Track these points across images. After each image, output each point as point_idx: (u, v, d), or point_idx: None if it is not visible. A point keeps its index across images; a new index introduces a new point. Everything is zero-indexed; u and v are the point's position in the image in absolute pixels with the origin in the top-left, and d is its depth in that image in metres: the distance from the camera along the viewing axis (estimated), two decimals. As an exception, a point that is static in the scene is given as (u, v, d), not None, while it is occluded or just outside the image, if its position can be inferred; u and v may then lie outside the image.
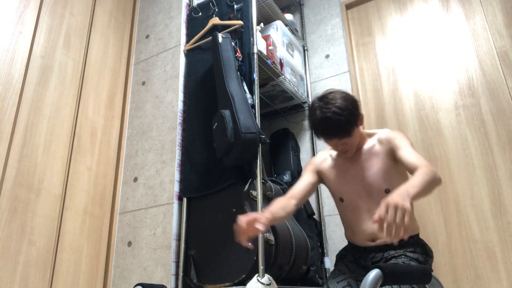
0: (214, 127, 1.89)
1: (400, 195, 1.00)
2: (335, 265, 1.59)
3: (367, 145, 1.49)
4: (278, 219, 1.37)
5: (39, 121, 1.95)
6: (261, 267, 1.57)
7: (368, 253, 1.45)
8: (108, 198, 2.23)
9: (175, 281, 1.87)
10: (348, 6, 2.82)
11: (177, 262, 1.91)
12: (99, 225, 2.13)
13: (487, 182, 2.03)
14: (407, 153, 1.33)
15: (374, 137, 1.49)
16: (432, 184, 1.15)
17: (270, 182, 2.02)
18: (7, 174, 1.75)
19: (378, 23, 2.68)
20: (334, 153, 1.59)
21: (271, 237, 1.72)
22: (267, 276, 1.56)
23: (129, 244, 2.10)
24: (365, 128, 2.47)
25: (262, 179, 1.84)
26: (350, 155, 1.48)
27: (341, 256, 1.58)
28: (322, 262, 2.17)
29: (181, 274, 1.86)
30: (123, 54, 2.58)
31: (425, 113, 2.31)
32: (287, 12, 2.94)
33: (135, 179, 2.24)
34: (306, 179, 1.57)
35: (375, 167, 1.43)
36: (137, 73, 2.55)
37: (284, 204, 1.43)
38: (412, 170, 1.27)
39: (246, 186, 1.81)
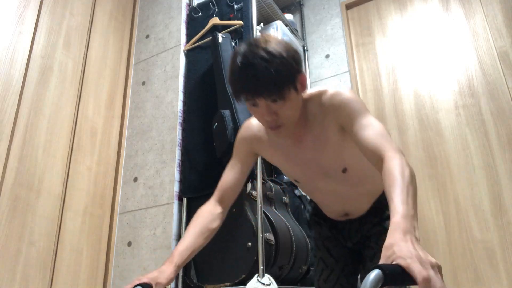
0: (214, 127, 1.89)
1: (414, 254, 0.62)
2: (315, 239, 1.40)
3: (311, 116, 1.09)
4: (192, 255, 1.07)
5: (39, 121, 1.95)
6: (261, 267, 1.57)
7: (343, 227, 1.30)
8: (108, 198, 2.23)
9: (175, 281, 1.87)
10: (348, 6, 2.82)
11: (177, 262, 1.90)
12: (99, 225, 2.13)
13: (487, 182, 2.03)
14: (363, 135, 0.96)
15: (316, 103, 1.08)
16: (416, 194, 0.82)
17: (270, 182, 2.02)
18: (7, 174, 1.75)
19: (378, 23, 2.68)
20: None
21: (271, 237, 1.72)
22: (267, 276, 1.56)
23: (129, 244, 2.10)
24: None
25: (262, 179, 1.84)
26: (284, 133, 1.04)
27: (316, 224, 1.38)
28: (322, 262, 2.17)
29: (181, 274, 1.86)
30: (123, 54, 2.58)
31: (425, 113, 2.31)
32: (287, 12, 2.94)
33: (135, 179, 2.24)
34: (237, 169, 1.20)
35: (326, 146, 1.09)
36: (137, 73, 2.55)
37: (200, 229, 1.10)
38: (372, 160, 0.94)
39: (248, 187, 1.81)
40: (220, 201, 1.17)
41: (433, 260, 0.62)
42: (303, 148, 1.12)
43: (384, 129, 0.96)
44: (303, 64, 1.03)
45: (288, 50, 0.97)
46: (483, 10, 2.33)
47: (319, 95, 1.08)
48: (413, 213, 0.72)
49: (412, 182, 0.80)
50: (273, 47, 0.94)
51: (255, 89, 0.94)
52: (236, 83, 0.97)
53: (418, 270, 0.58)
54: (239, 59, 0.95)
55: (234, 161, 1.22)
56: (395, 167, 0.82)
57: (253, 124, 1.21)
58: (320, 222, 1.36)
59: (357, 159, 1.11)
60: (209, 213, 1.14)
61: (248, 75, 0.93)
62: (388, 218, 1.05)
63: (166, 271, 0.97)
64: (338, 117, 1.04)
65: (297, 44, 2.70)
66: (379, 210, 1.23)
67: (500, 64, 2.18)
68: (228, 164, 1.23)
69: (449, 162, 2.15)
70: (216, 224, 1.14)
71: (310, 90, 1.11)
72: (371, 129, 0.96)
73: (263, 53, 0.92)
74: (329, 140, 1.08)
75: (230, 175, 1.19)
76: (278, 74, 0.92)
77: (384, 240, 0.88)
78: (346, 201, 1.23)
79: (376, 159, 0.90)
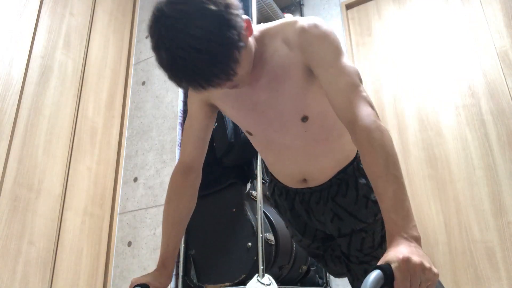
0: (214, 127, 1.90)
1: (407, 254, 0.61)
2: (275, 207, 1.27)
3: (270, 51, 0.91)
4: (178, 242, 1.01)
5: (39, 121, 1.95)
6: (261, 267, 1.57)
7: (303, 198, 1.12)
8: (108, 198, 2.23)
9: (175, 281, 1.87)
10: (348, 6, 2.82)
11: (177, 262, 1.91)
12: (99, 225, 2.13)
13: (487, 182, 2.03)
14: (335, 84, 0.83)
15: (278, 36, 0.91)
16: (399, 166, 0.73)
17: (270, 182, 2.02)
18: (7, 174, 1.75)
19: (378, 23, 2.68)
20: None
21: (271, 237, 1.72)
22: (267, 276, 1.56)
23: (129, 244, 2.10)
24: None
25: (262, 179, 1.84)
26: (243, 86, 0.90)
27: (276, 202, 1.24)
28: (322, 262, 2.17)
29: (181, 274, 1.86)
30: (123, 54, 2.58)
31: (425, 113, 2.31)
32: (287, 12, 2.93)
33: (135, 179, 2.24)
34: (197, 122, 1.04)
35: (283, 86, 0.92)
36: (137, 73, 2.55)
37: (181, 220, 1.03)
38: (341, 118, 0.83)
39: (248, 187, 1.81)
40: (189, 168, 1.04)
41: (429, 275, 0.61)
42: (257, 88, 0.94)
43: (358, 77, 0.84)
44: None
45: (218, 17, 0.72)
46: (483, 10, 2.33)
47: (284, 27, 0.91)
48: (407, 206, 0.69)
49: (393, 155, 0.73)
50: (196, 30, 0.70)
51: (196, 85, 0.76)
52: (171, 77, 0.77)
53: (401, 281, 0.59)
54: (164, 56, 0.73)
55: (188, 117, 1.06)
56: (371, 137, 0.74)
57: None
58: (280, 203, 1.21)
59: (321, 106, 0.95)
60: (183, 194, 1.03)
61: (181, 72, 0.74)
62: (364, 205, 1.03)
63: (162, 277, 0.96)
64: (307, 55, 0.87)
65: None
66: (348, 186, 1.06)
67: (500, 64, 2.18)
68: (185, 124, 1.07)
69: (449, 162, 2.15)
70: (193, 202, 1.05)
71: (271, 23, 0.95)
72: (344, 77, 0.83)
73: (189, 51, 0.70)
74: (289, 79, 0.91)
75: (190, 136, 1.04)
76: (220, 68, 0.73)
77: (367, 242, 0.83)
78: (304, 161, 1.05)
79: (347, 117, 0.80)
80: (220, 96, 0.99)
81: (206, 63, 0.72)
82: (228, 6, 0.74)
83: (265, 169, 2.50)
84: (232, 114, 1.02)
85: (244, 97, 0.96)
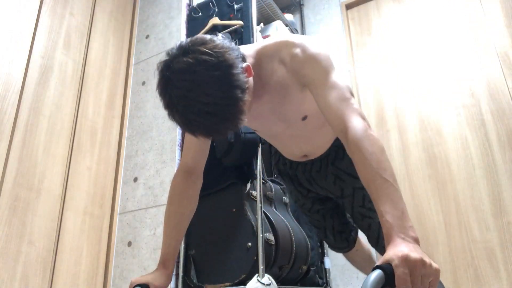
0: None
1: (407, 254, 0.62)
2: (281, 178, 1.45)
3: (268, 71, 0.99)
4: (179, 243, 1.05)
5: (39, 121, 1.95)
6: (261, 267, 1.57)
7: (305, 168, 1.31)
8: (108, 198, 2.23)
9: (175, 281, 1.87)
10: (348, 6, 2.82)
11: (177, 262, 1.91)
12: (99, 225, 2.13)
13: (487, 182, 2.03)
14: (326, 99, 0.89)
15: (273, 57, 0.99)
16: (392, 172, 0.76)
17: (270, 182, 2.02)
18: (7, 174, 1.75)
19: (378, 23, 2.68)
20: None
21: (271, 237, 1.72)
22: (267, 276, 1.56)
23: (129, 244, 2.10)
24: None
25: (262, 179, 1.84)
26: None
27: (280, 171, 1.41)
28: (322, 262, 2.17)
29: (181, 274, 1.86)
30: (123, 54, 2.58)
31: (425, 113, 2.31)
32: (287, 12, 2.93)
33: (135, 179, 2.24)
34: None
35: (285, 99, 1.02)
36: (137, 73, 2.55)
37: (182, 222, 1.06)
38: (334, 128, 0.88)
39: (248, 187, 1.81)
40: (190, 170, 1.07)
41: (430, 270, 0.61)
42: (260, 103, 1.03)
43: (348, 91, 0.91)
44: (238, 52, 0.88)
45: (226, 78, 0.80)
46: (483, 10, 2.33)
47: (279, 49, 0.98)
48: (402, 208, 0.70)
49: (384, 161, 0.76)
50: (205, 97, 0.78)
51: (210, 137, 0.87)
52: (185, 131, 0.85)
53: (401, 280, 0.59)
54: (173, 112, 0.81)
55: None
56: (362, 146, 0.79)
57: None
58: (284, 171, 1.38)
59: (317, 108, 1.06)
60: (184, 196, 1.06)
61: (195, 130, 0.82)
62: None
63: (162, 277, 0.97)
64: (300, 77, 0.96)
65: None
66: (343, 151, 1.20)
67: (500, 64, 2.18)
68: None
69: (449, 162, 2.15)
70: (194, 204, 1.08)
71: (264, 41, 1.03)
72: (335, 92, 0.89)
73: (200, 119, 0.79)
74: (289, 94, 1.01)
75: (192, 138, 1.06)
76: (227, 124, 0.81)
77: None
78: (304, 143, 1.23)
79: (339, 129, 0.86)
80: None
81: (217, 122, 0.81)
82: (230, 67, 0.81)
83: (267, 166, 2.51)
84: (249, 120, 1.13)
85: (250, 111, 0.99)
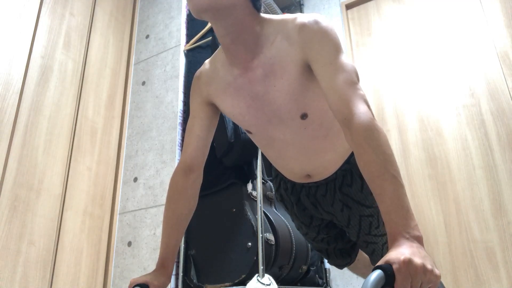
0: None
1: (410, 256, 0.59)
2: (282, 202, 1.29)
3: (266, 41, 0.91)
4: (178, 243, 1.01)
5: (39, 121, 1.95)
6: (261, 267, 1.57)
7: (309, 192, 1.15)
8: (108, 198, 2.23)
9: (175, 281, 1.87)
10: (348, 6, 2.82)
11: (177, 262, 1.91)
12: (99, 225, 2.13)
13: (487, 182, 2.03)
14: (332, 81, 0.82)
15: (277, 28, 0.91)
16: (396, 166, 0.72)
17: (270, 182, 2.02)
18: (7, 174, 1.75)
19: (378, 23, 2.68)
20: (220, 61, 1.01)
21: (271, 237, 1.72)
22: (267, 276, 1.56)
23: (129, 244, 2.10)
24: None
25: (262, 179, 1.84)
26: (230, 58, 0.94)
27: (282, 197, 1.26)
28: (322, 262, 2.17)
29: (181, 274, 1.86)
30: (123, 54, 2.58)
31: (425, 113, 2.31)
32: (287, 12, 2.94)
33: (135, 179, 2.24)
34: (196, 125, 1.02)
35: (281, 80, 0.90)
36: (137, 73, 2.55)
37: (181, 221, 1.02)
38: (336, 115, 0.81)
39: (249, 187, 1.81)
40: (190, 168, 1.02)
41: (431, 276, 0.60)
42: (251, 78, 0.92)
43: (356, 75, 0.83)
44: None
45: None
46: (483, 10, 2.33)
47: (284, 22, 0.91)
48: (407, 206, 0.68)
49: (390, 155, 0.72)
50: None
51: None
52: None
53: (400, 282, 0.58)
54: None
55: (190, 118, 1.05)
56: (369, 136, 0.73)
57: (203, 68, 1.05)
58: (286, 197, 1.22)
59: (321, 104, 0.95)
60: (184, 194, 1.02)
61: None
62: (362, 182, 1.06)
63: (161, 276, 0.95)
64: (306, 51, 0.87)
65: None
66: (352, 176, 1.07)
67: (500, 64, 2.18)
68: (187, 124, 1.05)
69: (449, 162, 2.15)
70: (193, 203, 1.04)
71: (273, 16, 0.95)
72: (342, 74, 0.82)
73: None
74: (287, 75, 0.89)
75: (192, 135, 1.02)
76: None
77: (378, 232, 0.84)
78: (305, 159, 1.05)
79: (343, 114, 0.79)
80: (219, 94, 1.00)
81: None
82: None
83: (267, 166, 2.51)
84: (231, 112, 1.01)
85: (241, 92, 0.95)
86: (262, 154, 1.87)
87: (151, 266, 1.96)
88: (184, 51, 2.37)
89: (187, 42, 2.40)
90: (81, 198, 2.07)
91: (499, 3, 2.30)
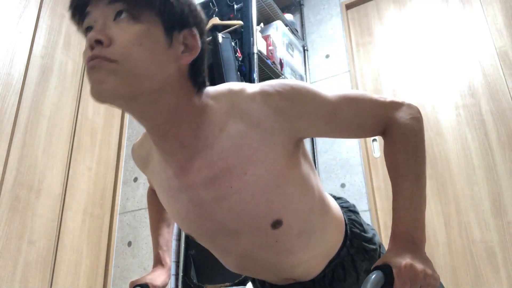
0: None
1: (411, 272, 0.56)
2: None
3: (215, 132, 0.64)
4: (169, 237, 0.99)
5: (39, 121, 1.95)
6: (261, 267, 1.57)
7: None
8: (108, 198, 2.23)
9: (175, 281, 1.86)
10: (348, 6, 2.82)
11: (177, 262, 1.91)
12: (99, 225, 2.13)
13: (487, 182, 2.03)
14: (352, 118, 0.68)
15: (225, 106, 0.65)
16: (424, 183, 0.68)
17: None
18: (7, 174, 1.75)
19: (378, 23, 2.68)
20: (153, 146, 0.72)
21: (271, 237, 1.72)
22: (267, 276, 1.55)
23: (129, 244, 2.10)
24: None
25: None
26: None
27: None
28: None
29: (181, 274, 1.86)
30: (123, 54, 2.58)
31: (425, 113, 2.31)
32: (287, 12, 2.93)
33: (135, 179, 2.24)
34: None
35: (247, 180, 0.64)
36: (137, 73, 2.55)
37: (164, 221, 0.98)
38: (375, 135, 0.72)
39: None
40: (161, 221, 1.01)
41: (430, 281, 0.59)
42: (192, 183, 0.66)
43: (367, 95, 0.72)
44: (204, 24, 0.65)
45: None
46: (483, 10, 2.33)
47: (232, 95, 0.65)
48: (421, 209, 0.66)
49: (419, 158, 0.69)
50: None
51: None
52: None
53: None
54: None
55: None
56: (400, 149, 0.68)
57: (136, 144, 0.83)
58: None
59: (303, 202, 0.70)
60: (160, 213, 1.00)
61: None
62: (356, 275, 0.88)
63: (161, 275, 0.95)
64: (296, 118, 0.64)
65: (297, 44, 2.70)
66: (344, 270, 0.87)
67: (500, 64, 2.18)
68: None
69: (449, 162, 2.15)
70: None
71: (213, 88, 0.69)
72: (353, 101, 0.69)
73: None
74: (252, 167, 0.64)
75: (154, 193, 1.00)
76: None
77: None
78: (280, 271, 0.80)
79: (385, 133, 0.72)
80: (154, 182, 0.76)
81: None
82: None
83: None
84: (167, 209, 0.76)
85: (178, 192, 0.69)
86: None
87: (151, 266, 1.96)
88: (184, 51, 2.37)
89: (187, 42, 2.40)
90: (81, 198, 2.07)
91: (499, 3, 2.29)
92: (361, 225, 0.90)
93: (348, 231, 0.87)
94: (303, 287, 0.87)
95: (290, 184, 0.67)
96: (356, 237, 0.87)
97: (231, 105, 0.64)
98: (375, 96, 0.72)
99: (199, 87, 0.65)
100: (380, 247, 0.93)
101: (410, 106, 0.72)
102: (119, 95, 0.56)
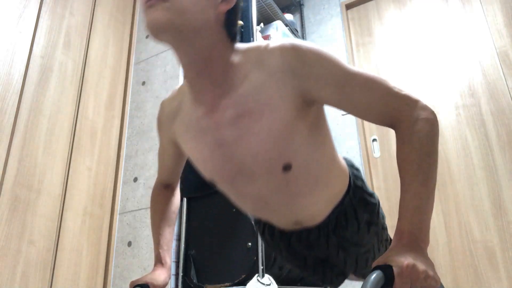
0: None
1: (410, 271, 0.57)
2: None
3: (241, 77, 0.74)
4: (170, 237, 1.01)
5: (39, 121, 1.95)
6: (261, 267, 1.57)
7: (300, 236, 0.99)
8: (108, 198, 2.23)
9: (175, 281, 1.87)
10: (348, 6, 2.82)
11: (177, 262, 1.91)
12: (99, 225, 2.13)
13: (487, 182, 2.03)
14: (369, 97, 0.72)
15: (251, 57, 0.75)
16: (434, 179, 0.67)
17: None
18: (7, 174, 1.75)
19: (378, 23, 2.68)
20: (186, 94, 0.84)
21: (271, 237, 1.72)
22: (267, 276, 1.56)
23: (129, 244, 2.10)
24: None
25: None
26: (195, 91, 0.77)
27: (268, 243, 1.11)
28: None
29: (181, 274, 1.86)
30: (123, 54, 2.58)
31: (425, 113, 2.31)
32: (287, 12, 2.93)
33: (135, 179, 2.24)
34: (168, 155, 0.99)
35: (261, 126, 0.74)
36: (137, 73, 2.55)
37: (171, 221, 1.02)
38: (387, 125, 0.74)
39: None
40: (167, 185, 1.06)
41: (431, 282, 0.59)
42: (218, 121, 0.76)
43: (385, 81, 0.73)
44: None
45: None
46: (483, 10, 2.33)
47: (258, 49, 0.75)
48: (428, 210, 0.65)
49: (430, 158, 0.67)
50: None
51: None
52: None
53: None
54: None
55: (160, 146, 1.00)
56: (413, 149, 0.67)
57: (168, 99, 0.92)
58: (274, 243, 1.07)
59: (310, 150, 0.79)
60: (168, 203, 1.05)
61: None
62: (358, 225, 0.96)
63: (162, 275, 0.96)
64: (305, 79, 0.71)
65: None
66: (347, 218, 0.95)
67: (500, 64, 2.18)
68: (158, 150, 1.03)
69: (449, 162, 2.15)
70: (177, 208, 1.07)
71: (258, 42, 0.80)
72: (372, 88, 0.71)
73: None
74: (267, 114, 0.73)
75: (163, 166, 1.03)
76: None
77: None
78: (289, 213, 0.91)
79: (395, 126, 0.73)
80: (181, 133, 0.85)
81: None
82: None
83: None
84: (192, 156, 0.86)
85: (204, 135, 0.79)
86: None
87: (151, 266, 1.96)
88: (184, 51, 2.37)
89: (187, 42, 2.40)
90: (81, 198, 2.07)
91: (499, 3, 2.30)
92: (363, 181, 0.98)
93: (352, 183, 0.96)
94: (309, 233, 0.97)
95: (299, 133, 0.76)
96: (358, 189, 0.96)
97: (256, 57, 0.74)
98: (392, 84, 0.73)
99: (232, 38, 0.75)
100: (379, 205, 0.99)
101: (426, 106, 0.72)
102: (169, 27, 0.68)
